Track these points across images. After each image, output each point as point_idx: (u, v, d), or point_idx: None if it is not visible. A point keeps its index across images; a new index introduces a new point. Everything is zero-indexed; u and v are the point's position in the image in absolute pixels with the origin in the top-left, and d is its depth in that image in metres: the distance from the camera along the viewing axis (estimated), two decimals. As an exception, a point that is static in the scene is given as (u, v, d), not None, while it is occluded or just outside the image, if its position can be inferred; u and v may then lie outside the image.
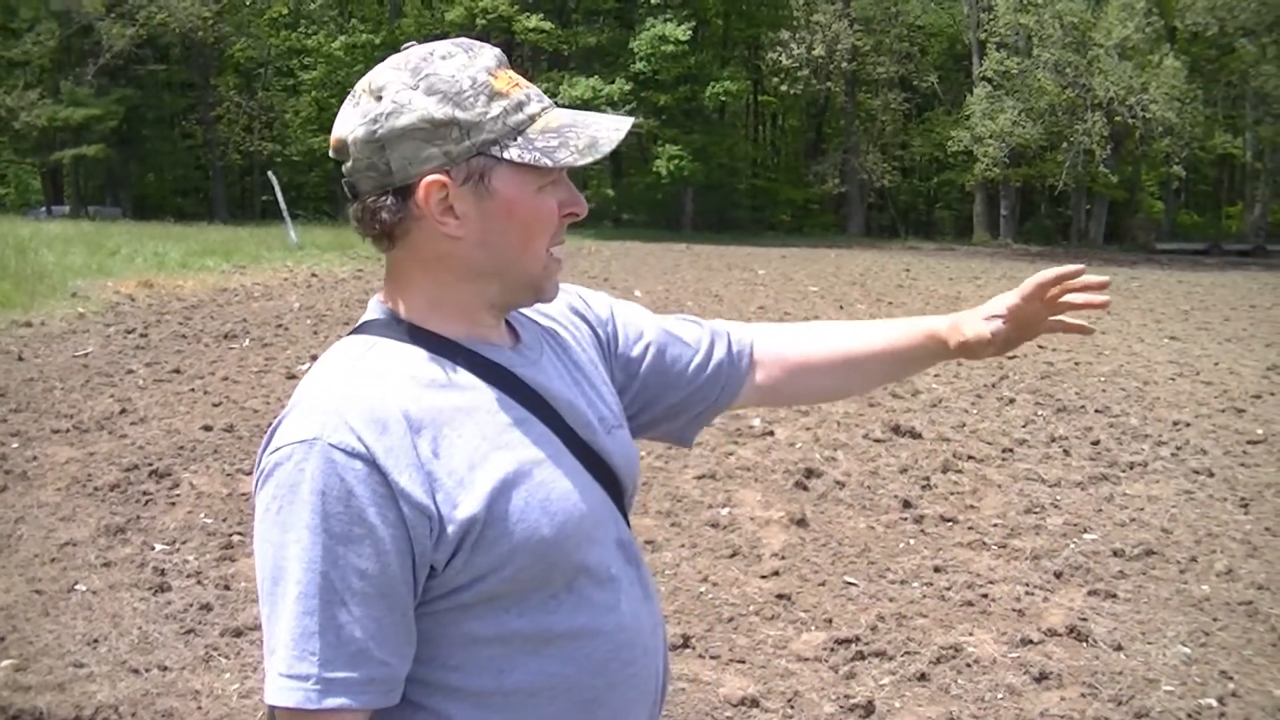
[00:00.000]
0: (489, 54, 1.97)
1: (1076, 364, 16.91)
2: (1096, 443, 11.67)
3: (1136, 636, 6.84)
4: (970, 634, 6.80)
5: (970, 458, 10.89)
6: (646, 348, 2.43)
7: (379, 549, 1.78)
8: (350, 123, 1.93)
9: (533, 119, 1.95)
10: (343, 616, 1.77)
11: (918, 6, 66.32)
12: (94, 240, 31.95)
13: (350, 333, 2.05)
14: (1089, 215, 62.13)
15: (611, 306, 2.46)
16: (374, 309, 2.06)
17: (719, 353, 2.51)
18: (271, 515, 1.80)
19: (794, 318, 21.83)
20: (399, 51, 1.99)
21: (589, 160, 1.94)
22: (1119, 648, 6.65)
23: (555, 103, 2.02)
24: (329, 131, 2.04)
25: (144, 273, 24.96)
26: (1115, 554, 8.27)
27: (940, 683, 6.18)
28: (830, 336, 2.61)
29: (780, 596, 7.30)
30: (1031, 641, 6.68)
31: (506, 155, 1.91)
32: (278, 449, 1.82)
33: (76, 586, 7.11)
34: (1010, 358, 17.11)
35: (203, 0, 61.39)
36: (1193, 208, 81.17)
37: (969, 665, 6.37)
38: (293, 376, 13.65)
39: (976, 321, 2.52)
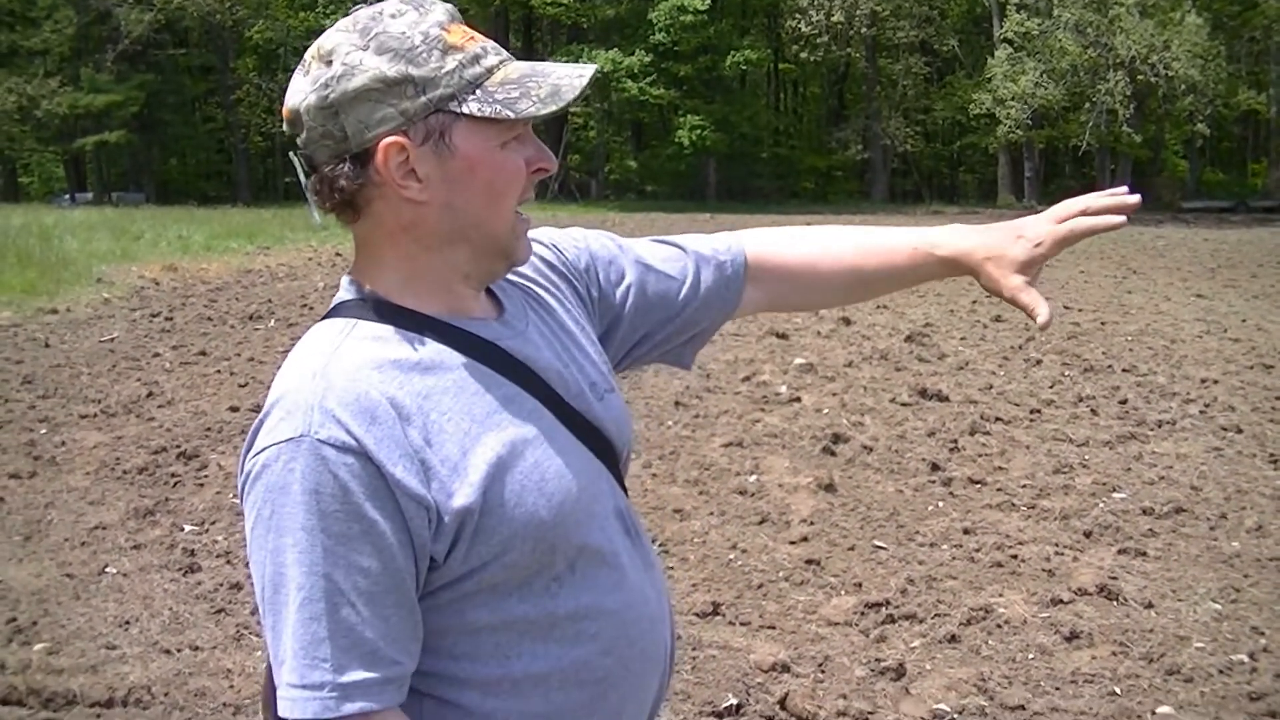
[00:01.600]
0: (440, 9, 1.90)
1: (1103, 324, 16.88)
2: (1124, 402, 11.63)
3: (1167, 594, 6.82)
4: (1000, 595, 6.79)
5: (998, 419, 10.86)
6: (629, 289, 2.34)
7: (380, 545, 1.73)
8: (301, 91, 1.85)
9: (490, 71, 1.87)
10: (351, 618, 1.72)
11: (936, -31, 66.04)
12: (118, 226, 32.02)
13: (324, 316, 1.97)
14: (1113, 175, 61.81)
15: (590, 250, 2.35)
16: (346, 288, 1.98)
17: (706, 278, 2.40)
18: (264, 521, 1.73)
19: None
20: (347, 14, 1.91)
21: (551, 110, 1.85)
22: (1149, 606, 6.64)
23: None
24: None
25: (168, 257, 25.02)
26: (1145, 512, 8.24)
27: (971, 644, 6.17)
28: (833, 245, 2.50)
29: (809, 562, 7.30)
30: (1062, 601, 6.66)
31: (465, 110, 1.84)
32: (262, 450, 1.75)
33: (107, 569, 7.13)
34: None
35: (219, -19, 61.47)
36: (1217, 165, 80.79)
37: (999, 626, 6.36)
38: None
39: (1023, 244, 2.28)
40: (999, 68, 54.74)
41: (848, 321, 16.74)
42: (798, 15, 62.99)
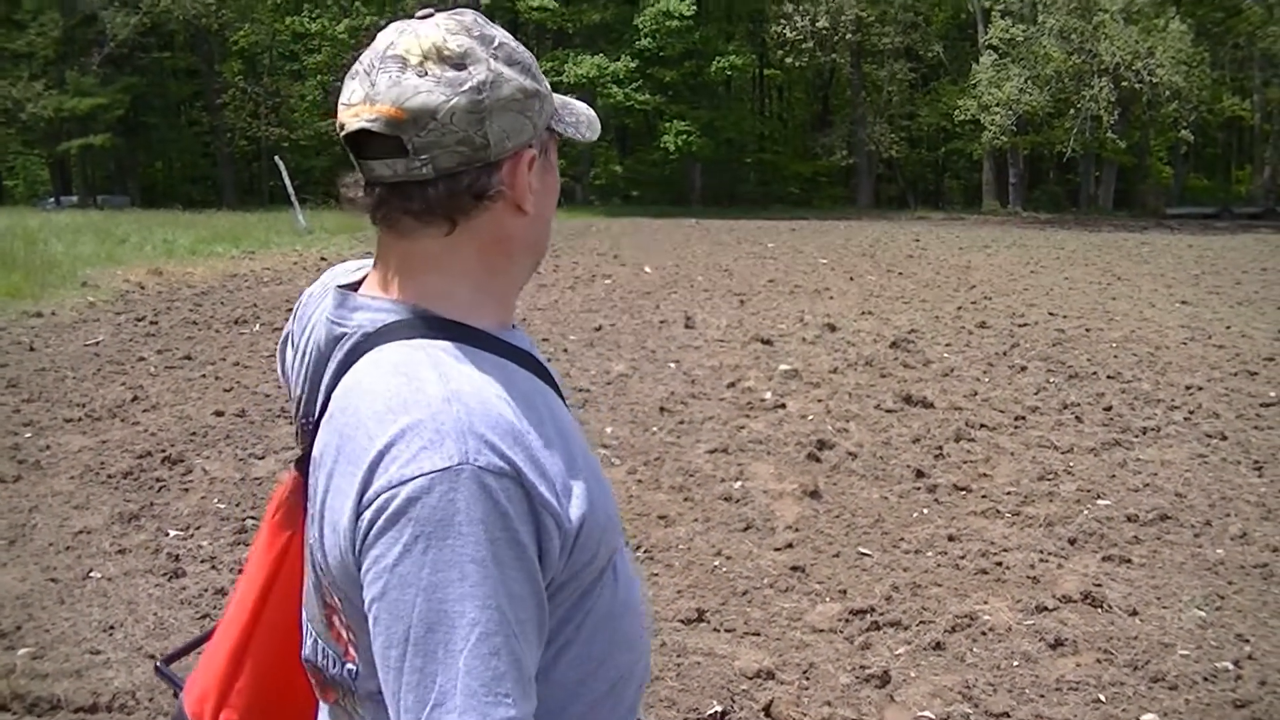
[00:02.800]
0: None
1: (1088, 330, 16.91)
2: (1109, 409, 11.66)
3: (1151, 601, 6.84)
4: (985, 602, 6.81)
5: (983, 426, 10.88)
6: None
7: (530, 571, 1.69)
8: (433, 92, 1.75)
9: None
10: (519, 649, 1.66)
11: (921, -25, 66.12)
12: (103, 229, 31.94)
13: (363, 340, 1.87)
14: (1098, 181, 62.04)
15: None
16: (384, 307, 1.88)
17: None
18: (415, 557, 1.62)
19: (804, 290, 21.85)
20: (415, 19, 1.86)
21: (595, 136, 1.97)
22: (1134, 613, 6.66)
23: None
24: (335, 115, 1.90)
25: (153, 260, 24.95)
26: (1129, 519, 8.26)
27: (956, 651, 6.18)
28: None
29: (794, 568, 7.31)
30: (1046, 608, 6.68)
31: (558, 128, 1.91)
32: (403, 483, 1.64)
33: (91, 574, 7.12)
34: (1021, 326, 17.11)
35: (207, -14, 61.38)
36: (1202, 171, 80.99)
37: (984, 633, 6.38)
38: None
39: None
40: (984, 74, 54.77)
41: (833, 328, 16.75)
42: (783, 21, 63.01)
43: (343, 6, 63.12)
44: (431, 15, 1.84)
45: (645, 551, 7.59)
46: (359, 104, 1.79)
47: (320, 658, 1.94)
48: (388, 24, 1.88)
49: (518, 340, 1.96)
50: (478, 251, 1.87)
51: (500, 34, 1.85)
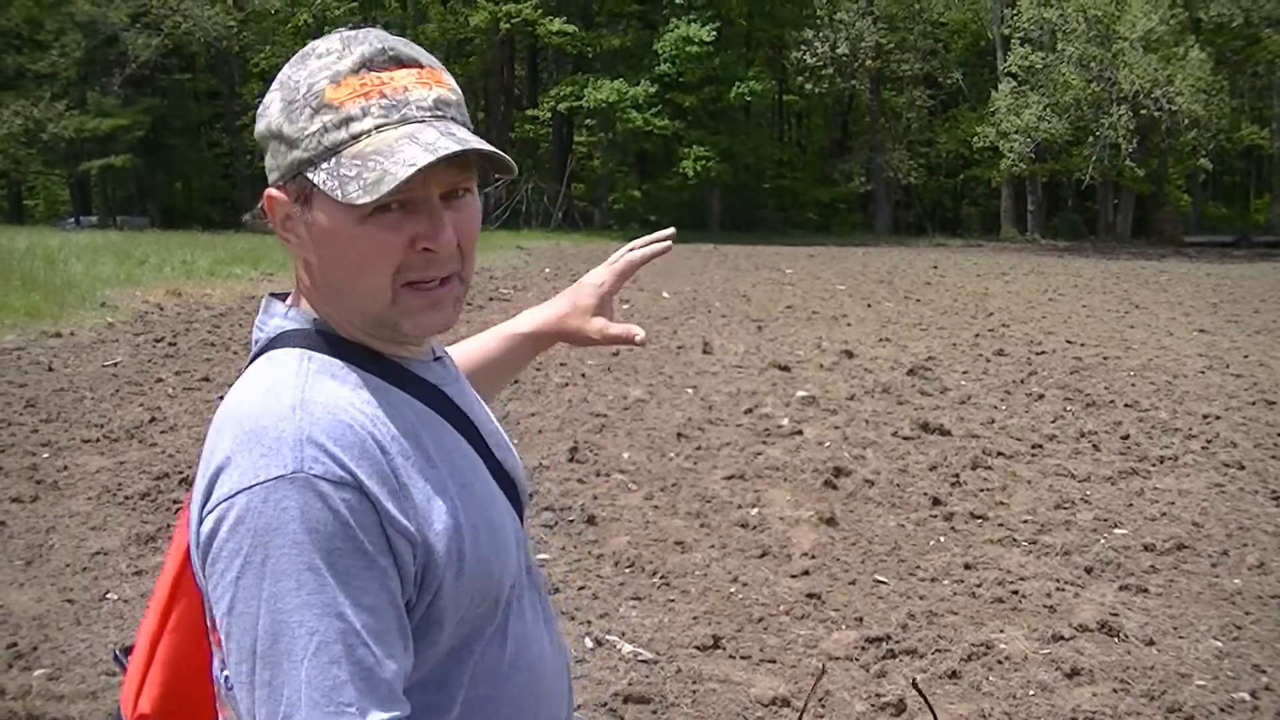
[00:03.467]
0: (358, 52, 1.76)
1: (1105, 358, 16.88)
2: (1126, 437, 11.64)
3: (1168, 631, 6.82)
4: (1001, 631, 6.79)
5: (1000, 454, 10.87)
6: None
7: (382, 582, 1.65)
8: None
9: (355, 138, 1.72)
10: (368, 659, 1.61)
11: (940, 3, 65.95)
12: (122, 250, 32.00)
13: (262, 347, 1.88)
14: (1116, 209, 61.92)
15: None
16: (289, 316, 1.89)
17: None
18: (254, 568, 1.60)
19: (822, 317, 21.86)
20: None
21: (370, 199, 1.68)
22: (1151, 643, 6.64)
23: (448, 116, 1.80)
24: None
25: (172, 281, 24.98)
26: (1146, 549, 8.25)
27: (972, 680, 6.17)
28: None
29: (810, 596, 7.30)
30: (1063, 638, 6.66)
31: (314, 179, 1.73)
32: (237, 493, 1.63)
33: (108, 595, 7.13)
34: (1039, 353, 17.09)
35: (227, 9, 61.53)
36: (1220, 200, 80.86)
37: (1000, 662, 6.36)
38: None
39: (577, 317, 2.48)
40: (1003, 101, 54.74)
41: (850, 355, 16.75)
42: (803, 47, 63.13)
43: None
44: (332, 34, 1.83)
45: (661, 577, 7.59)
46: None
47: (214, 668, 1.91)
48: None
49: (426, 371, 1.93)
50: (299, 269, 1.88)
51: (301, 68, 1.76)
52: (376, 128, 1.72)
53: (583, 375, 14.67)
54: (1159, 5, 50.23)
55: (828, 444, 11.18)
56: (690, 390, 13.79)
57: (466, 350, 2.51)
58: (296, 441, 1.64)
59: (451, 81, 1.86)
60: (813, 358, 16.57)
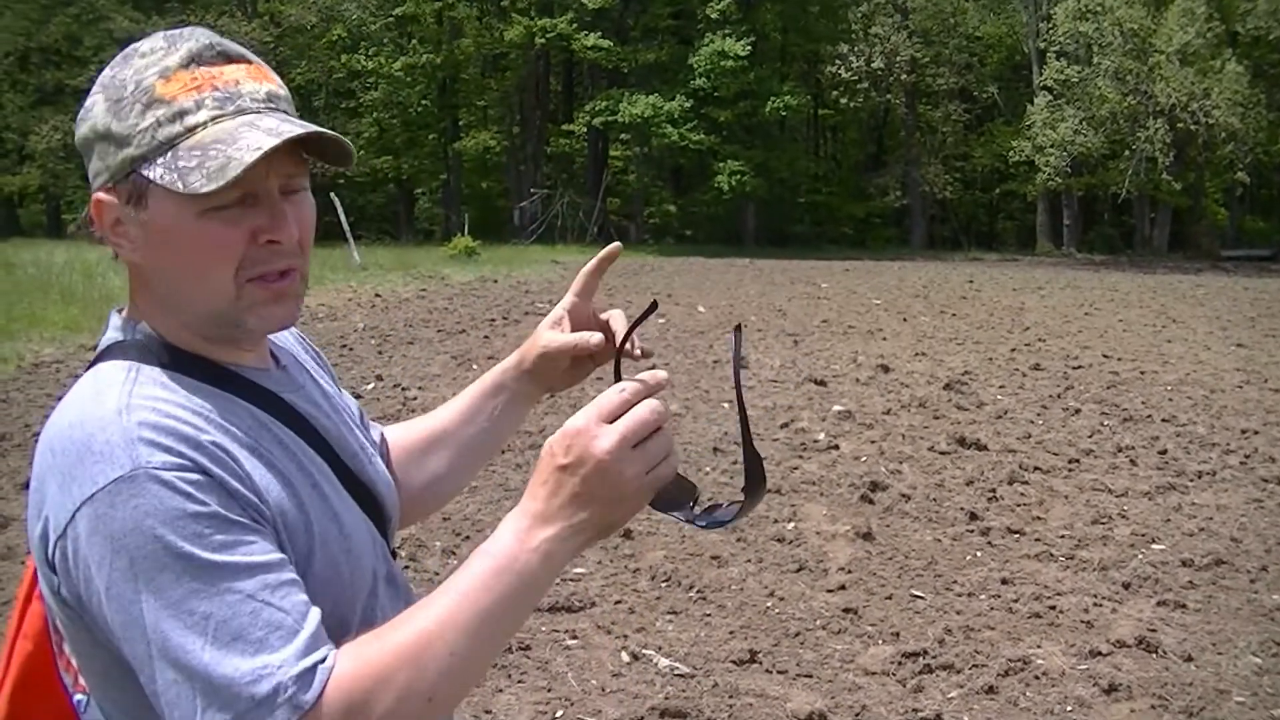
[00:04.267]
0: (185, 48, 1.72)
1: (1142, 373, 16.82)
2: (1164, 452, 11.60)
3: (1207, 647, 6.80)
4: (1038, 646, 6.78)
5: (1036, 469, 10.84)
6: None
7: (263, 543, 1.60)
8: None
9: (191, 130, 1.68)
10: (276, 615, 1.54)
11: (976, 17, 65.87)
12: (160, 265, 32.12)
13: (94, 360, 1.82)
14: (1153, 223, 61.60)
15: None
16: (119, 328, 1.84)
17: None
18: (124, 574, 1.53)
19: (858, 331, 21.81)
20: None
21: (216, 186, 1.64)
22: (1189, 659, 6.61)
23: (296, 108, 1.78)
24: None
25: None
26: (1184, 564, 8.22)
27: (1009, 695, 6.16)
28: (424, 420, 2.44)
29: (847, 610, 7.30)
30: (1100, 653, 6.65)
31: (150, 175, 1.68)
32: (80, 507, 1.55)
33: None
34: (1075, 368, 17.04)
35: (263, 25, 61.84)
36: (1258, 213, 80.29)
37: (1037, 678, 6.35)
38: (358, 396, 13.68)
39: (545, 330, 2.31)
40: (1038, 115, 54.56)
41: (886, 369, 16.72)
42: (838, 61, 63.08)
43: (399, 45, 63.45)
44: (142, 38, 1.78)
45: (698, 591, 7.60)
46: None
47: (76, 701, 1.84)
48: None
49: (264, 379, 1.88)
50: (133, 282, 1.83)
51: (125, 68, 1.72)
52: (213, 119, 1.69)
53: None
54: (1195, 18, 50.01)
55: (864, 459, 11.17)
56: (726, 405, 13.78)
57: (450, 409, 2.41)
58: (127, 442, 1.58)
59: (279, 79, 1.82)
60: (849, 372, 16.55)
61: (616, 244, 2.17)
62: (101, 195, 1.73)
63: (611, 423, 1.70)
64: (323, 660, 1.54)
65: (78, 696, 1.77)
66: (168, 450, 1.58)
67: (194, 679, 1.50)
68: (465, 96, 67.02)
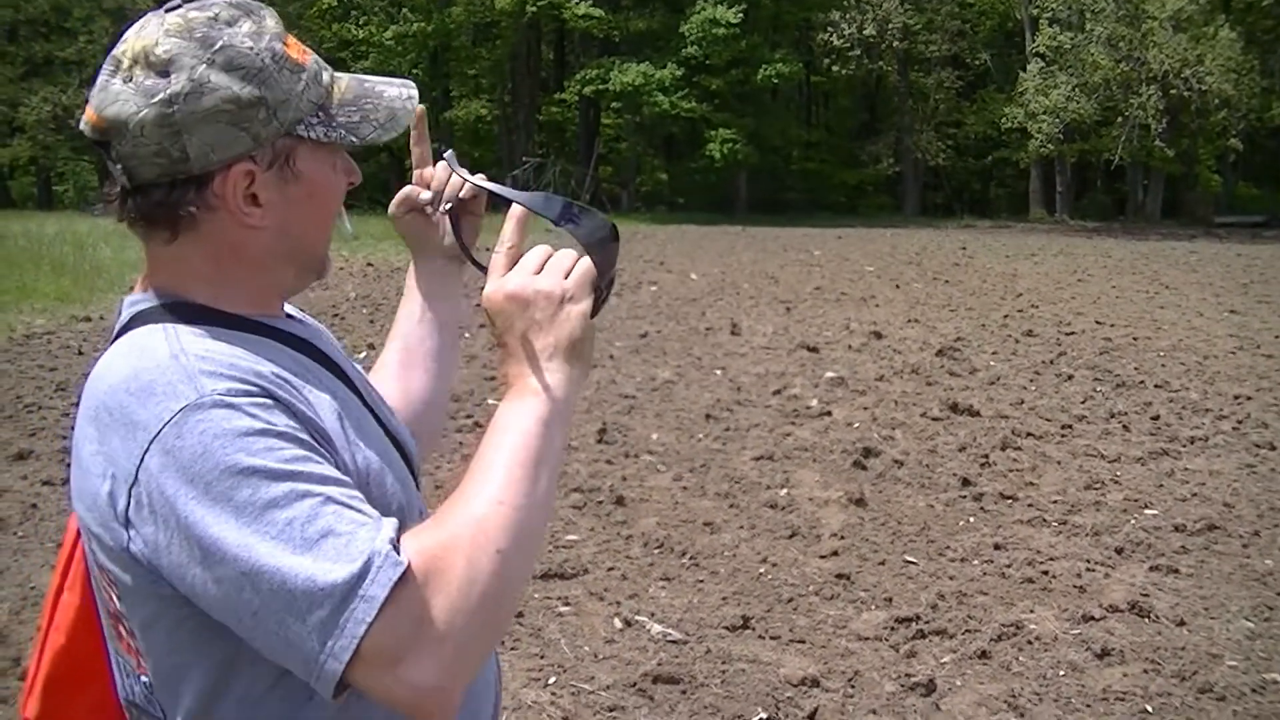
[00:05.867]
0: (272, 18, 1.79)
1: (1135, 339, 16.82)
2: (1156, 418, 11.60)
3: (1199, 612, 6.80)
4: (1031, 611, 6.78)
5: (1029, 435, 10.85)
6: None
7: (328, 461, 1.64)
8: (128, 101, 1.69)
9: (329, 90, 1.82)
10: (358, 515, 1.55)
11: (968, -17, 65.79)
12: (151, 235, 32.09)
13: (120, 331, 1.80)
14: (1146, 190, 61.53)
15: None
16: (140, 300, 1.82)
17: None
18: (198, 501, 1.51)
19: (850, 298, 21.83)
20: (164, 8, 1.74)
21: (391, 136, 1.82)
22: (1181, 623, 6.62)
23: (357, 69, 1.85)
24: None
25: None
26: (1177, 529, 8.22)
27: (1001, 660, 6.16)
28: (384, 356, 2.43)
29: (840, 576, 7.30)
30: (1093, 618, 6.65)
31: (312, 135, 1.77)
32: (149, 446, 1.54)
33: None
34: (1068, 334, 17.04)
35: (253, -6, 61.70)
36: (1251, 180, 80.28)
37: (1030, 643, 6.35)
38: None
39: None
40: (1031, 81, 54.40)
41: (879, 336, 16.71)
42: (830, 29, 62.78)
43: (390, 13, 63.16)
44: (177, 8, 1.74)
45: (690, 558, 7.60)
46: (87, 105, 1.77)
47: (123, 685, 1.83)
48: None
49: (293, 329, 1.91)
50: (206, 259, 1.79)
51: (229, 35, 1.72)
52: (334, 78, 1.84)
53: (611, 357, 14.67)
54: (1188, -16, 49.94)
55: (857, 425, 11.17)
56: (719, 371, 13.78)
57: (395, 333, 2.44)
58: (188, 376, 1.59)
59: None
60: (841, 339, 16.55)
61: (421, 107, 2.06)
62: (246, 166, 1.73)
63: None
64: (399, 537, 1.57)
65: (143, 679, 1.75)
66: (230, 379, 1.61)
67: (289, 583, 1.49)
68: (456, 66, 66.73)
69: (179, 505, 1.52)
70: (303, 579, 1.48)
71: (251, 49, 1.72)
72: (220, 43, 1.70)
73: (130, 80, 1.69)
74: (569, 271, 1.80)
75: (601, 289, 1.82)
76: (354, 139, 1.79)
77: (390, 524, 1.58)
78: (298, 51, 1.79)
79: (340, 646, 1.48)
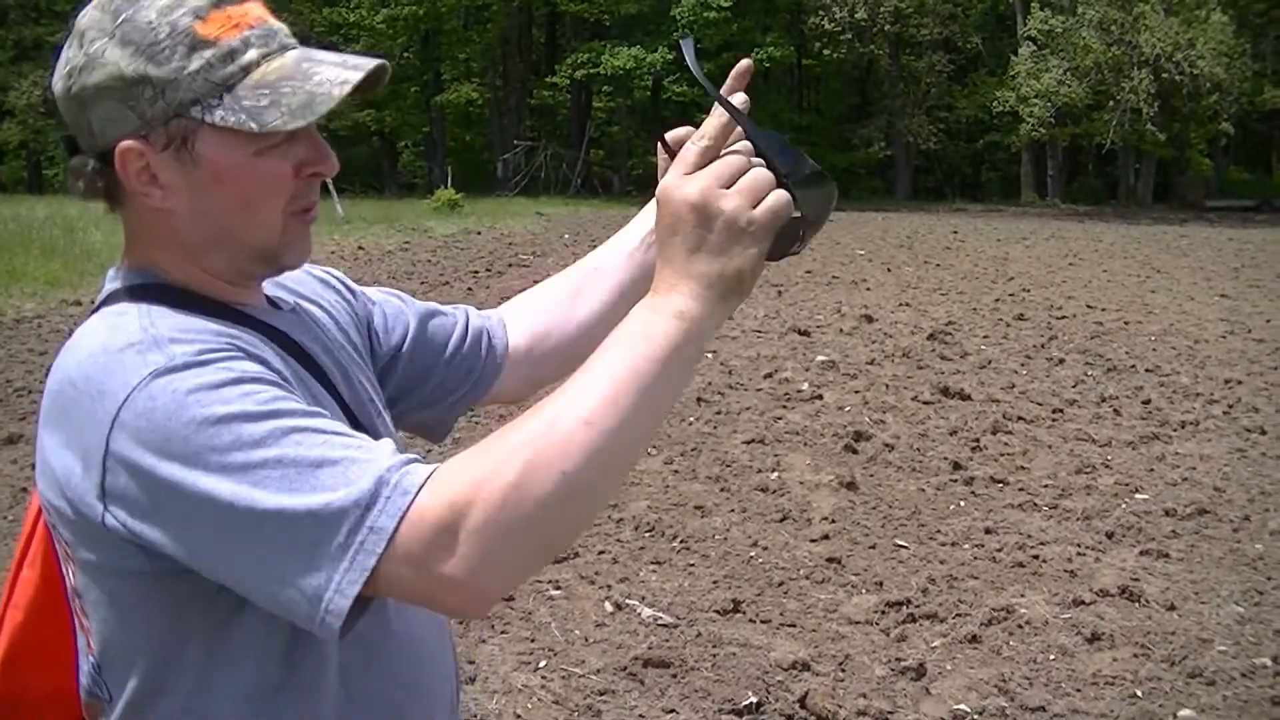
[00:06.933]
0: None
1: (1126, 323, 16.84)
2: (1147, 402, 11.61)
3: (1189, 596, 6.81)
4: (1021, 595, 6.79)
5: (1020, 419, 10.85)
6: (407, 325, 2.19)
7: (316, 402, 1.63)
8: (56, 73, 1.70)
9: (246, 70, 1.65)
10: (351, 440, 1.51)
11: (959, -34, 65.71)
12: (142, 218, 32.06)
13: (96, 309, 1.76)
14: (1137, 174, 61.55)
15: (362, 287, 2.24)
16: (115, 278, 1.79)
17: (475, 326, 2.26)
18: (179, 458, 1.46)
19: (842, 281, 21.81)
20: None
21: (301, 123, 1.64)
22: (1172, 608, 6.63)
23: (351, 49, 1.75)
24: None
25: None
26: (1167, 513, 8.23)
27: (992, 644, 6.17)
28: (569, 274, 2.38)
29: (830, 560, 7.30)
30: (1083, 602, 6.66)
31: (208, 118, 1.64)
32: (119, 409, 1.49)
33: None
34: (1059, 318, 17.05)
35: (244, -24, 61.48)
36: (1242, 164, 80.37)
37: (1020, 627, 6.36)
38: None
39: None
40: (1022, 65, 54.38)
41: (870, 319, 16.71)
42: (821, 12, 62.65)
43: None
44: None
45: (681, 541, 7.60)
46: None
47: (82, 667, 1.78)
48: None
49: (269, 318, 1.82)
50: (147, 232, 1.76)
51: (138, 7, 1.65)
52: (263, 57, 1.67)
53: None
54: (1180, -32, 49.95)
55: (848, 409, 11.17)
56: (709, 355, 13.76)
57: (604, 251, 2.41)
58: (157, 343, 1.55)
59: None
60: (832, 322, 16.54)
61: (747, 62, 1.99)
62: (131, 143, 1.65)
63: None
64: (416, 460, 1.50)
65: (90, 659, 1.72)
66: (200, 343, 1.55)
67: (292, 521, 1.44)
68: (447, 49, 66.58)
69: (160, 468, 1.47)
70: (304, 511, 1.43)
71: (150, 23, 1.63)
72: (124, 15, 1.65)
73: (67, 49, 1.70)
74: (761, 199, 1.59)
75: (796, 235, 1.66)
76: (253, 125, 1.63)
77: (387, 443, 1.54)
78: (219, 27, 1.65)
79: (349, 580, 1.43)
